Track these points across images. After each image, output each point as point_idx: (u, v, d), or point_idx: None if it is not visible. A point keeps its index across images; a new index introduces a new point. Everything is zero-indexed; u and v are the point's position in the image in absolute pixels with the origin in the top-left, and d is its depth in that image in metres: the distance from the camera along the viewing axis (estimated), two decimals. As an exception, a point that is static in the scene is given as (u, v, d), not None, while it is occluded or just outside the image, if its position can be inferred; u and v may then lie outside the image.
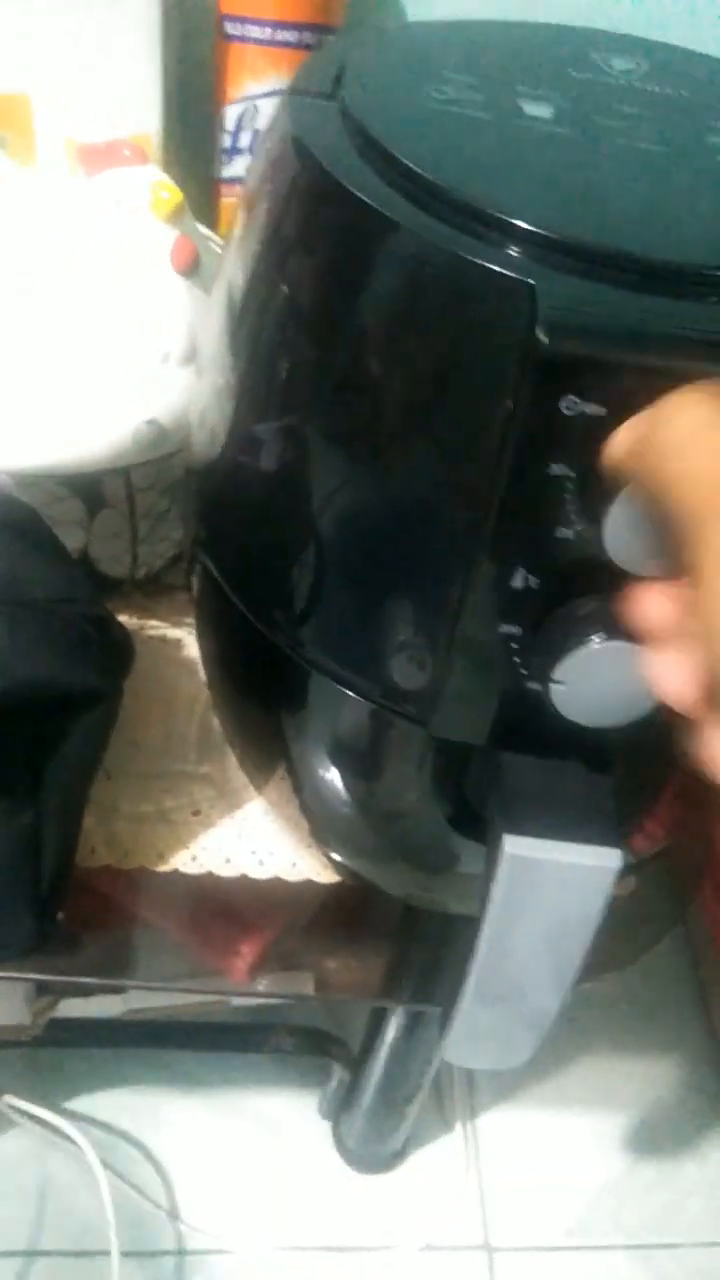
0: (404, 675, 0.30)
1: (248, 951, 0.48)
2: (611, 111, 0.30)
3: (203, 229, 0.45)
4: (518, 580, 0.26)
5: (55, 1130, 0.69)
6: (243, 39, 0.49)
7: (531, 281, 0.23)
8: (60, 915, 0.41)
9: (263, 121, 0.51)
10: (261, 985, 0.52)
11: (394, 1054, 0.59)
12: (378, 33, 0.36)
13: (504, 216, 0.24)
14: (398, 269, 0.25)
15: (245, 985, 0.49)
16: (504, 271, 0.23)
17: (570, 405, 0.23)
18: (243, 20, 0.49)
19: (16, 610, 0.34)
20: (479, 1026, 0.33)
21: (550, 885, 0.28)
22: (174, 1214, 0.69)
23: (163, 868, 0.44)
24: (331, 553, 0.30)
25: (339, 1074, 0.66)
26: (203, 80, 0.52)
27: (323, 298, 0.27)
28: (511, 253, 0.24)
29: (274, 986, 0.56)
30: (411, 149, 0.26)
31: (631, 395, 0.22)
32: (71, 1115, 0.71)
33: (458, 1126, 0.75)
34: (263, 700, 0.37)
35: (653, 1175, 0.75)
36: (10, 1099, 0.69)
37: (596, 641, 0.25)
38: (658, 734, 0.28)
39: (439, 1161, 0.74)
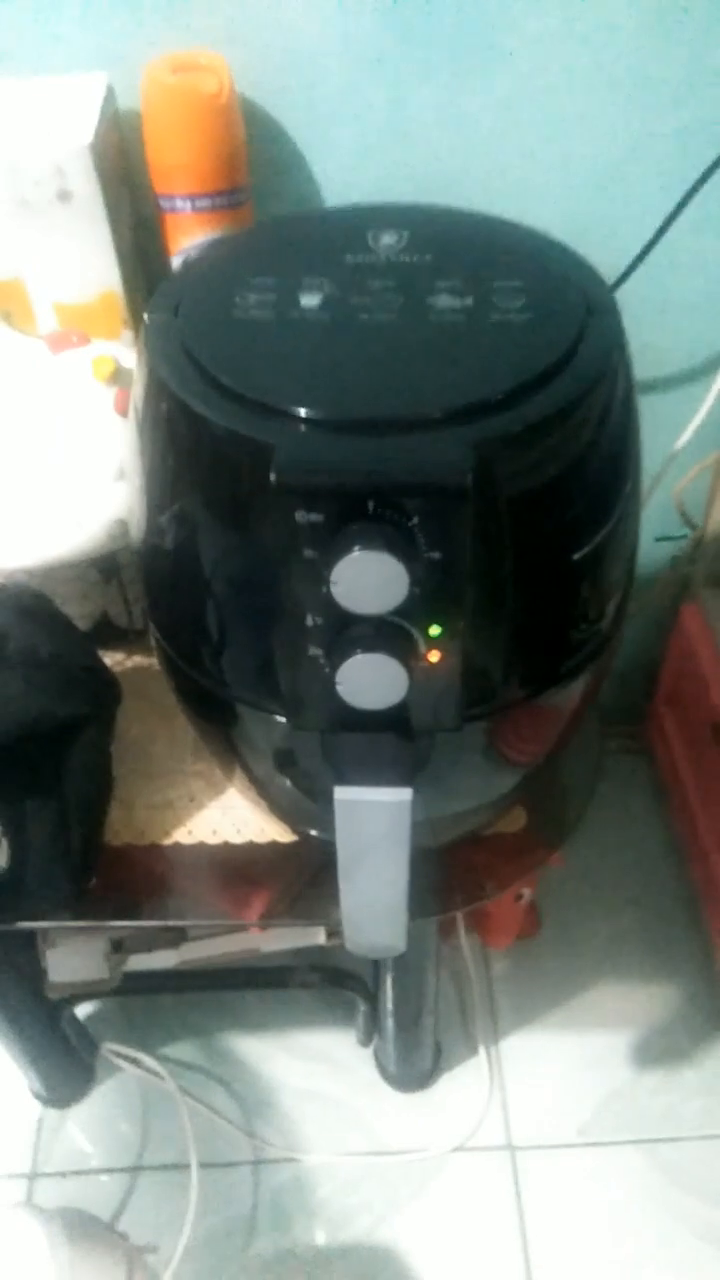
0: (273, 690, 0.44)
1: (256, 901, 0.63)
2: (365, 289, 0.43)
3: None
4: (309, 620, 0.40)
5: (147, 1070, 0.86)
6: (173, 209, 0.65)
7: (272, 442, 0.37)
8: (93, 880, 0.57)
9: (198, 265, 0.66)
10: (279, 934, 0.66)
11: (394, 977, 0.73)
12: (219, 245, 0.50)
13: (261, 400, 0.38)
14: (207, 436, 0.39)
15: (259, 928, 0.64)
16: (258, 437, 0.37)
17: (301, 516, 0.37)
18: (170, 197, 0.64)
19: (31, 669, 0.50)
20: (359, 925, 0.47)
21: (368, 817, 0.42)
22: (249, 1131, 0.85)
23: (167, 841, 0.59)
24: (213, 613, 0.45)
25: (362, 1006, 0.81)
26: (154, 235, 0.68)
27: (172, 452, 0.42)
28: (265, 422, 0.38)
29: (292, 939, 0.70)
30: (212, 355, 0.40)
31: (337, 509, 0.36)
32: (159, 1057, 0.87)
33: (481, 1050, 0.89)
34: (205, 720, 0.52)
35: (656, 1081, 0.87)
36: (110, 1045, 0.87)
37: (358, 654, 0.39)
38: (429, 703, 0.42)
39: (467, 1079, 0.88)
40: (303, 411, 0.38)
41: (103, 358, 0.53)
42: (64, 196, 0.61)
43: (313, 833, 0.57)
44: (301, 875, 0.63)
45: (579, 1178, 0.82)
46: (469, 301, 0.42)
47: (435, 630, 0.40)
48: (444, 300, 0.43)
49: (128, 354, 0.61)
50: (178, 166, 0.63)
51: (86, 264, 0.65)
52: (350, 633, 0.39)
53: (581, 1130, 0.84)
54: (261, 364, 0.40)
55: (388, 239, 0.46)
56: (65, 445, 0.55)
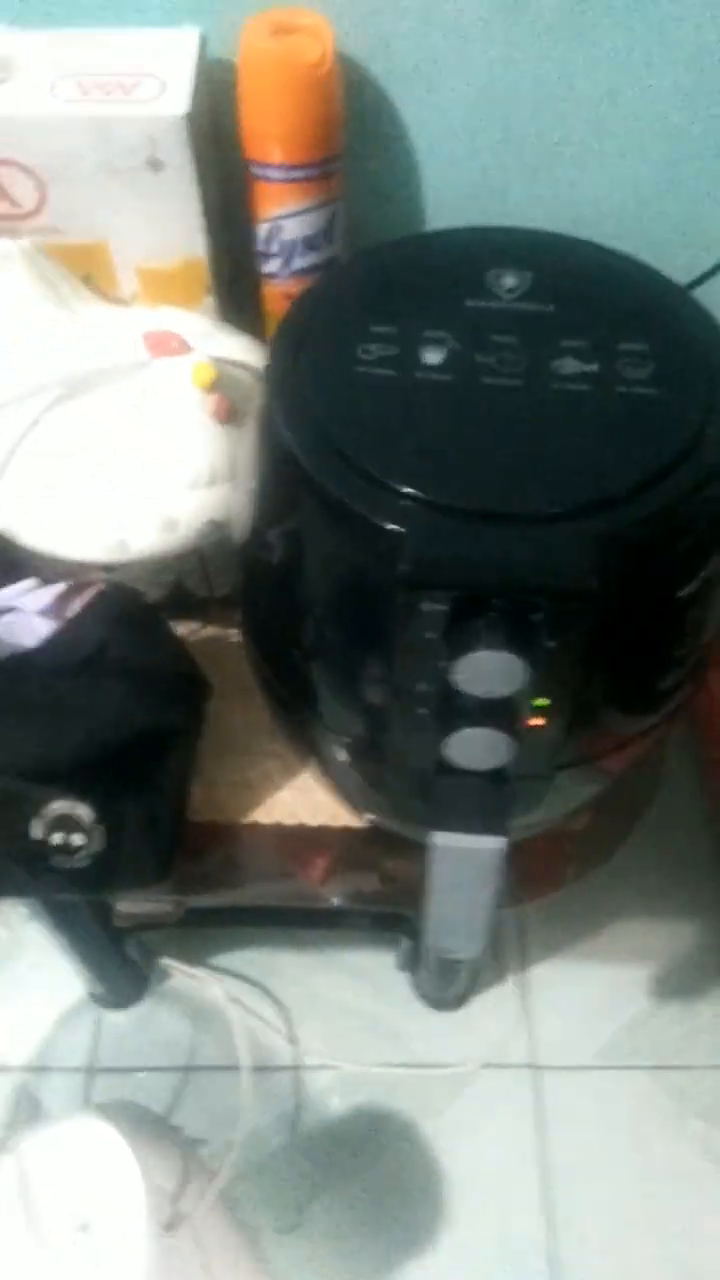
0: (369, 730, 0.47)
1: (320, 863, 0.67)
2: (488, 346, 0.43)
3: (237, 353, 0.59)
4: (421, 685, 0.42)
5: (200, 981, 0.93)
6: (265, 178, 0.62)
7: (402, 530, 0.38)
8: (175, 860, 0.60)
9: (286, 234, 0.65)
10: (337, 887, 0.70)
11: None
12: (336, 275, 0.49)
13: (387, 480, 0.39)
14: (329, 507, 0.40)
15: (322, 888, 0.68)
16: (387, 525, 0.38)
17: (427, 605, 0.38)
18: (262, 165, 0.62)
19: (130, 678, 0.52)
20: (444, 935, 0.51)
21: (463, 861, 0.45)
22: (292, 1040, 0.92)
23: (245, 821, 0.62)
24: (315, 653, 0.46)
25: (405, 941, 0.87)
26: (242, 202, 0.65)
27: (289, 506, 0.43)
28: (391, 503, 0.38)
29: (347, 885, 0.74)
30: (337, 420, 0.40)
31: (462, 600, 0.37)
32: (212, 969, 0.94)
33: (510, 976, 0.95)
34: (291, 731, 0.54)
35: (672, 1013, 0.94)
36: (167, 959, 0.93)
37: (465, 727, 0.41)
38: (528, 759, 0.44)
39: (496, 1002, 0.94)
40: (430, 498, 0.38)
41: (202, 365, 0.52)
42: (154, 165, 0.59)
43: (391, 828, 0.60)
44: (364, 837, 0.67)
45: (595, 1097, 0.90)
46: (594, 368, 0.42)
47: (542, 703, 0.42)
48: (569, 365, 0.42)
49: (218, 337, 0.60)
50: (272, 135, 0.60)
51: (172, 230, 0.63)
52: (460, 705, 0.41)
53: (600, 1054, 0.91)
54: (385, 434, 0.40)
55: (509, 281, 0.46)
56: (159, 446, 0.55)
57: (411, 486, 0.39)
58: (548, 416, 0.41)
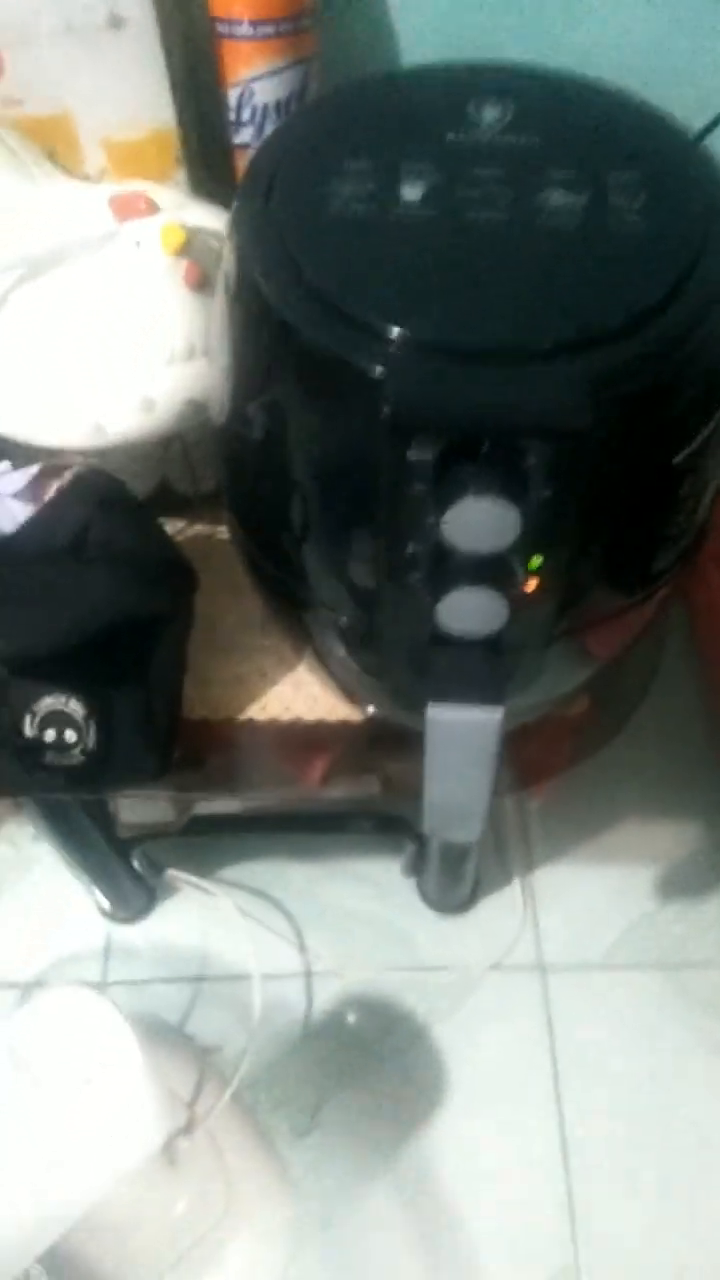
0: (361, 602, 0.45)
1: (319, 764, 0.66)
2: (470, 178, 0.40)
3: (210, 222, 0.56)
4: (410, 548, 0.40)
5: (207, 892, 0.92)
6: (231, 35, 0.58)
7: (383, 375, 0.35)
8: (176, 754, 0.59)
9: (257, 98, 0.61)
10: (339, 789, 0.69)
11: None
12: (309, 113, 0.46)
13: (369, 320, 0.36)
14: (308, 353, 0.38)
15: (321, 789, 0.66)
16: (368, 369, 0.36)
17: (414, 453, 0.36)
18: (228, 21, 0.58)
19: (113, 563, 0.50)
20: (443, 818, 0.49)
21: (458, 732, 0.43)
22: (301, 948, 0.92)
23: (241, 717, 0.61)
24: (303, 523, 0.44)
25: (410, 845, 0.86)
26: (210, 66, 0.62)
27: (267, 358, 0.40)
28: (373, 347, 0.36)
29: (349, 789, 0.73)
30: (312, 261, 0.38)
31: (450, 446, 0.35)
32: (219, 879, 0.94)
33: (515, 878, 0.95)
34: (284, 614, 0.52)
35: (677, 911, 0.93)
36: (173, 871, 0.93)
37: (459, 589, 0.39)
38: (523, 626, 0.42)
39: (503, 904, 0.94)
40: (413, 337, 0.36)
41: (171, 227, 0.49)
42: (115, 22, 0.56)
43: (388, 715, 0.58)
44: (364, 737, 0.65)
45: (602, 996, 0.90)
46: (583, 199, 0.39)
47: (536, 562, 0.39)
48: (557, 197, 0.39)
49: (189, 207, 0.57)
50: (239, -15, 0.56)
51: (138, 98, 0.59)
52: (453, 564, 0.39)
53: (606, 954, 0.91)
54: (363, 274, 0.38)
55: (491, 113, 0.42)
56: (131, 320, 0.52)
57: (393, 326, 0.36)
58: (535, 251, 0.38)
